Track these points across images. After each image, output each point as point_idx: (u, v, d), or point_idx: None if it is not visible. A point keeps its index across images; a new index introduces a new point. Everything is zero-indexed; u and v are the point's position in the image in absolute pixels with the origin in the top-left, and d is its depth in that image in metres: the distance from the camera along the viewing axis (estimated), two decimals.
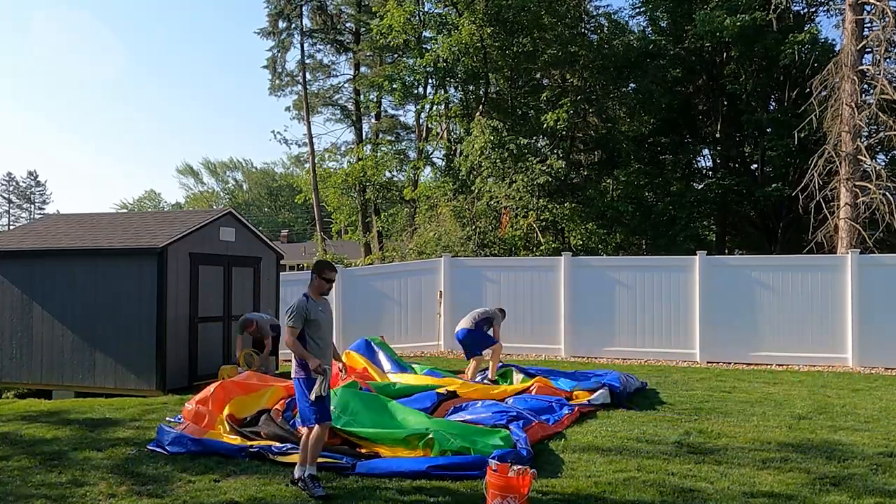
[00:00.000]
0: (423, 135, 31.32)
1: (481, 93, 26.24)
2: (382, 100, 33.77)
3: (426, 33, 27.75)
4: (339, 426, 7.01)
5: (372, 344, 11.39)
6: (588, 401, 9.13)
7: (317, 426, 5.92)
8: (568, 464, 6.65)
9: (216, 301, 12.25)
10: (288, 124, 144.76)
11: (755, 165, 27.15)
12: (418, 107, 29.76)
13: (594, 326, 15.10)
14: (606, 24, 26.80)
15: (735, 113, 25.96)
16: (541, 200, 22.44)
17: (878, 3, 17.82)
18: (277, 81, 37.21)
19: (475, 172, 24.18)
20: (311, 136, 35.92)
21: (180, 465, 6.68)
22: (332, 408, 6.56)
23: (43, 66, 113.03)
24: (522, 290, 15.70)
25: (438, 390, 8.87)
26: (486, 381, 10.56)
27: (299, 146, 40.04)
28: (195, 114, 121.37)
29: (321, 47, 37.43)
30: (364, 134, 35.83)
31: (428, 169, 29.67)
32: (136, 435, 7.99)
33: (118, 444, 7.55)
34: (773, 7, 20.17)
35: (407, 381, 9.73)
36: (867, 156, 18.40)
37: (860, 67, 18.37)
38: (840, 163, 18.26)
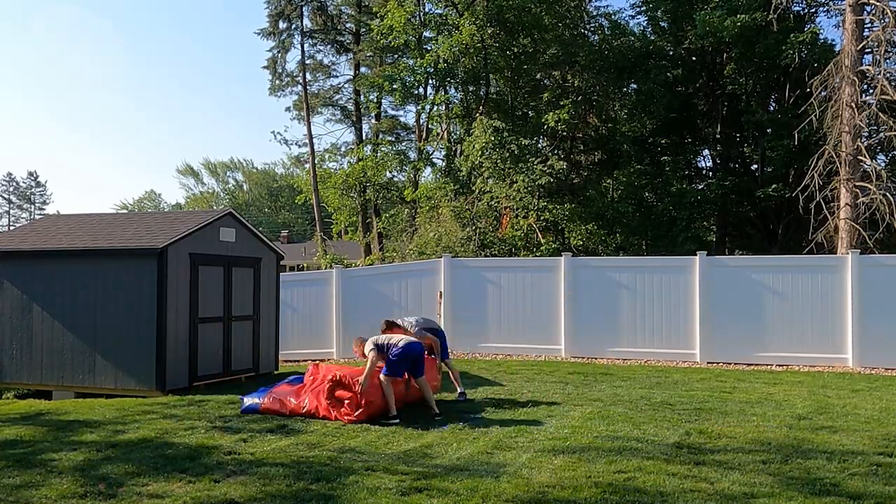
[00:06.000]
0: (424, 135, 31.37)
1: (482, 93, 26.18)
2: (382, 100, 33.79)
3: (427, 33, 27.76)
4: None
5: None
6: None
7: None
8: (568, 464, 6.65)
9: (216, 302, 12.25)
10: (288, 125, 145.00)
11: (755, 166, 27.13)
12: (419, 107, 29.70)
13: (594, 327, 15.10)
14: (607, 25, 26.83)
15: (735, 113, 25.95)
16: (541, 201, 22.43)
17: (878, 4, 17.82)
18: (278, 82, 37.27)
19: (476, 173, 24.13)
20: (311, 137, 35.94)
21: (180, 466, 6.69)
22: None
23: (43, 65, 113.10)
24: (523, 291, 15.70)
25: None
26: None
27: (299, 146, 40.20)
28: (196, 114, 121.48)
29: (321, 48, 37.50)
30: (364, 134, 35.85)
31: (428, 169, 29.75)
32: (136, 437, 8.00)
33: (118, 446, 7.55)
34: (773, 7, 20.17)
35: None
36: (867, 156, 18.41)
37: (860, 68, 18.37)
38: (840, 163, 18.26)
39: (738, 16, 22.33)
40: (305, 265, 45.03)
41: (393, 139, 36.18)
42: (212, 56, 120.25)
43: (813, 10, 25.68)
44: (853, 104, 17.96)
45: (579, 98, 24.01)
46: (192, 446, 7.47)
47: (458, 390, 10.25)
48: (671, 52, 26.12)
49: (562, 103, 23.20)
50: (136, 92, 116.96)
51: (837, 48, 21.17)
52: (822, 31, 22.58)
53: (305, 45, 36.26)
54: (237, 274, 12.72)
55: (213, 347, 12.14)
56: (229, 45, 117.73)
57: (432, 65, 24.95)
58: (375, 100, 33.85)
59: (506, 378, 12.38)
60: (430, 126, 30.94)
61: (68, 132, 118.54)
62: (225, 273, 12.46)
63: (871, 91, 18.91)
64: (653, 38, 26.49)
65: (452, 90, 27.78)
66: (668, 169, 26.13)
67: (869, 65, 18.88)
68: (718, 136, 26.72)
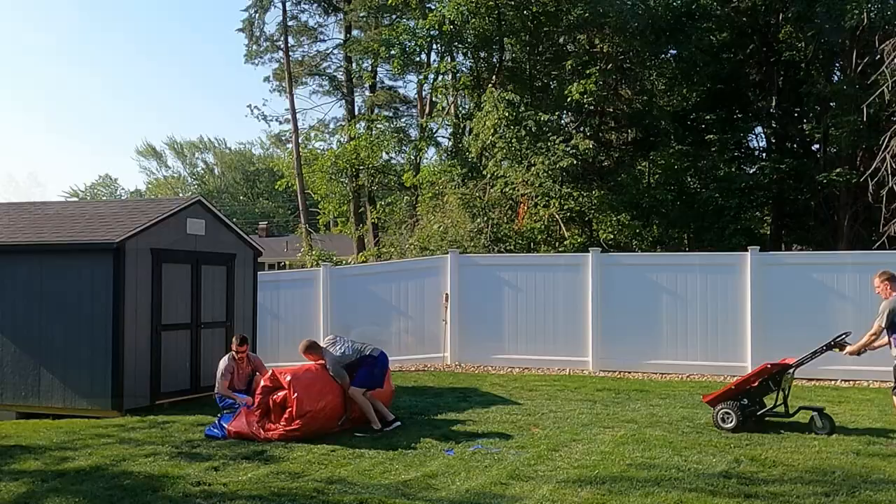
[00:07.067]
0: (427, 110, 31.17)
1: (495, 60, 25.87)
2: (378, 69, 33.58)
3: None
4: None
5: None
6: None
7: None
8: (596, 497, 6.61)
9: (183, 306, 12.24)
10: (267, 97, 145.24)
11: (816, 146, 27.01)
12: (420, 77, 29.42)
13: (628, 336, 15.06)
14: None
15: (793, 84, 25.82)
16: (564, 187, 22.30)
17: None
18: (255, 47, 36.82)
19: (487, 154, 23.98)
20: (294, 111, 35.83)
21: (140, 499, 6.68)
22: None
23: (43, 65, 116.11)
24: (543, 293, 15.66)
25: None
26: None
27: (280, 123, 40.07)
28: (189, 103, 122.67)
29: (306, 7, 37.07)
30: (357, 108, 35.70)
31: (432, 150, 29.61)
32: (88, 464, 8.00)
33: (67, 475, 7.54)
34: None
35: None
36: None
37: None
38: None
39: None
40: (288, 262, 45.12)
41: (391, 114, 35.95)
42: (211, 50, 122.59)
43: None
44: None
45: (609, 66, 23.70)
46: (153, 475, 7.46)
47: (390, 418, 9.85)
48: (717, 12, 25.95)
49: (588, 72, 23.00)
50: (135, 85, 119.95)
51: None
52: None
53: (287, 4, 36.08)
54: (207, 273, 12.71)
55: (178, 359, 12.12)
56: (227, 37, 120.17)
57: (436, 26, 24.64)
58: (370, 68, 33.64)
59: (523, 395, 12.37)
60: (434, 99, 30.66)
61: (68, 134, 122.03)
62: (193, 272, 12.44)
63: None
64: None
65: (460, 56, 27.32)
66: (713, 150, 26.01)
67: None
68: (773, 112, 26.60)
